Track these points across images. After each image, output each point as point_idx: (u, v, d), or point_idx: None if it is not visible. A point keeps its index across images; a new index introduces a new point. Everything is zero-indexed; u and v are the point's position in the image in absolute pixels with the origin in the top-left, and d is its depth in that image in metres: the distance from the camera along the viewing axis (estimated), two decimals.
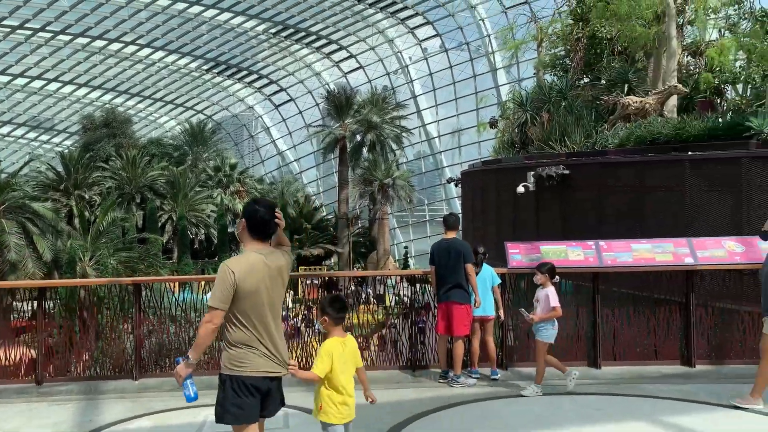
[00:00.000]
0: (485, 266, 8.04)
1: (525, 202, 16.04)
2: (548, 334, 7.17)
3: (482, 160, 20.79)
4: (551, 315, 7.13)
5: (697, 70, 19.63)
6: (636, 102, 16.01)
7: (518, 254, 8.09)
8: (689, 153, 12.30)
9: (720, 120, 14.19)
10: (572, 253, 7.67)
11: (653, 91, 16.34)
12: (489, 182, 18.21)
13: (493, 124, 28.85)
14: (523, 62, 56.50)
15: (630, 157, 13.60)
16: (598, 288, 7.95)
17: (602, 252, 7.75)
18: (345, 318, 5.24)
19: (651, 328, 8.19)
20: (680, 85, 15.78)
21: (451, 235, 7.94)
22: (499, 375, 7.91)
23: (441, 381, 7.75)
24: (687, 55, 20.07)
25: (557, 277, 7.34)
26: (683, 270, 7.93)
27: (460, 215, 21.04)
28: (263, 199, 5.21)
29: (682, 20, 19.51)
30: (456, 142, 64.29)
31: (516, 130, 24.44)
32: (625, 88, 18.44)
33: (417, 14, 58.13)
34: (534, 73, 31.21)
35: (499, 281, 8.11)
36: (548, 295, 7.11)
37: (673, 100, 16.38)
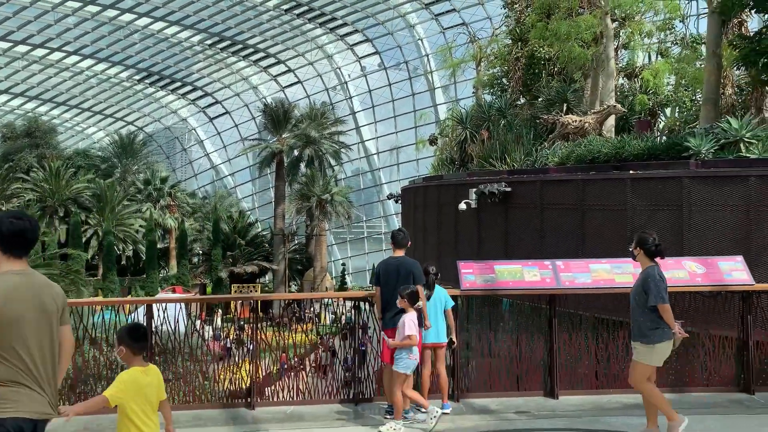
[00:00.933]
0: (437, 288, 7.44)
1: (467, 219, 15.79)
2: (404, 364, 6.70)
3: (423, 176, 20.55)
4: (405, 343, 6.69)
5: (632, 92, 20.07)
6: (575, 121, 16.11)
7: (471, 274, 7.56)
8: (630, 171, 12.31)
9: (658, 140, 14.38)
10: (528, 274, 7.23)
11: (592, 111, 16.50)
12: (430, 199, 17.93)
13: (432, 141, 28.84)
14: (461, 82, 57.33)
15: (571, 175, 13.56)
16: (555, 311, 7.51)
17: (559, 272, 7.32)
18: (146, 347, 4.90)
19: (611, 353, 7.76)
20: (619, 105, 16.00)
21: (400, 253, 7.26)
22: (449, 408, 7.31)
23: (387, 417, 7.05)
24: (622, 77, 20.50)
25: (420, 303, 6.88)
26: None
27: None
28: (12, 211, 4.58)
29: (617, 43, 19.94)
30: (394, 159, 64.43)
31: (456, 147, 24.42)
32: (564, 108, 18.62)
33: (356, 31, 58.15)
34: (473, 92, 31.49)
35: (453, 304, 7.50)
36: (404, 322, 6.69)
37: (612, 120, 16.59)
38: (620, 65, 21.33)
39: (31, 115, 58.09)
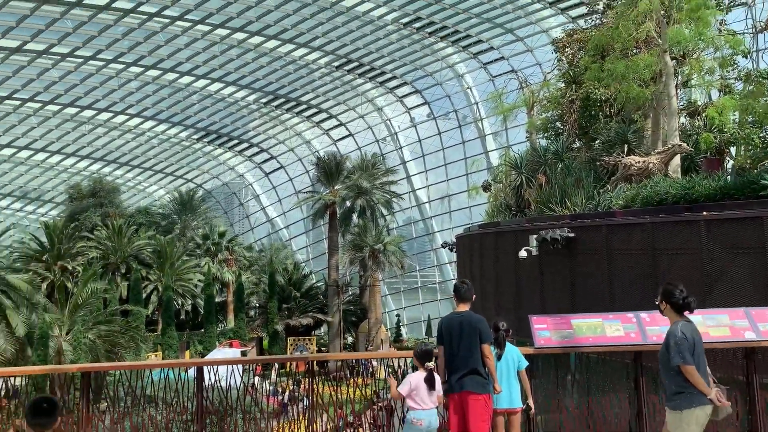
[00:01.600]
0: (509, 346, 6.79)
1: (527, 267, 15.17)
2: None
3: (478, 224, 20.08)
4: (394, 394, 6.33)
5: (695, 130, 19.28)
6: (639, 162, 15.47)
7: (546, 330, 6.91)
8: (704, 213, 11.57)
9: (729, 179, 13.58)
10: (610, 328, 6.53)
11: (656, 151, 15.83)
12: (487, 246, 17.40)
13: (486, 187, 28.39)
14: (512, 128, 57.01)
15: (639, 218, 12.87)
16: (642, 369, 6.68)
17: (645, 326, 6.61)
18: (48, 425, 4.32)
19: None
20: (684, 144, 15.30)
21: (464, 307, 6.65)
22: None
23: None
24: (684, 116, 19.77)
25: (430, 363, 6.36)
26: (743, 346, 6.86)
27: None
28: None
29: (676, 81, 19.30)
30: (446, 208, 64.02)
31: (511, 193, 23.92)
32: (625, 149, 17.98)
33: (405, 83, 58.94)
34: (526, 137, 31.06)
35: (527, 364, 6.78)
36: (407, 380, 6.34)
37: (677, 160, 15.87)
38: (680, 104, 20.61)
39: (96, 175, 60.64)
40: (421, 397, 6.18)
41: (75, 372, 6.33)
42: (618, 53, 18.14)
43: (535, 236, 14.62)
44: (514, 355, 6.78)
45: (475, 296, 6.84)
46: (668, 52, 16.55)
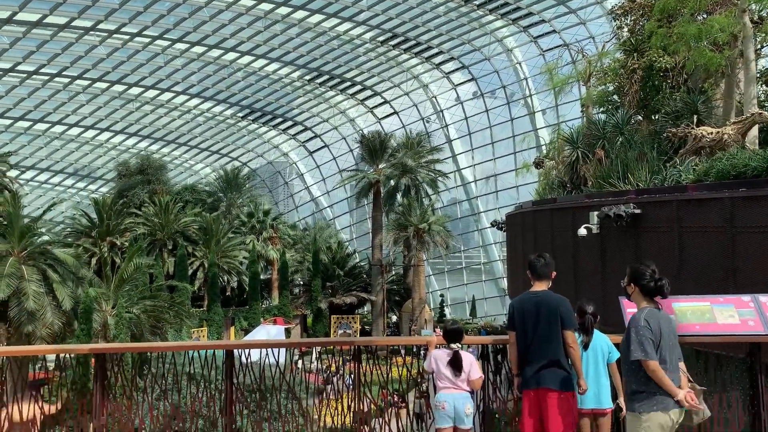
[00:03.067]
0: (597, 334, 5.70)
1: (587, 246, 14.11)
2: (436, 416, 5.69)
3: (532, 201, 19.00)
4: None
5: None
6: (711, 133, 14.15)
7: None
8: None
9: None
10: (721, 314, 5.39)
11: (731, 121, 14.47)
12: (541, 225, 16.37)
13: (538, 164, 27.19)
14: (563, 104, 55.10)
15: (715, 193, 11.66)
16: (762, 366, 5.47)
17: (766, 312, 5.40)
18: None
19: None
20: (765, 113, 13.89)
21: (541, 286, 5.61)
22: None
23: None
24: (760, 84, 18.19)
25: (455, 345, 5.74)
26: (747, 341, 5.61)
27: (499, 261, 19.17)
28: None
29: (754, 46, 17.70)
30: (492, 187, 62.59)
31: (566, 169, 22.71)
32: (694, 120, 16.59)
33: (452, 59, 57.47)
34: (581, 112, 29.61)
35: (618, 356, 5.65)
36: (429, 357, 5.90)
37: (755, 131, 14.48)
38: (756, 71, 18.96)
39: (143, 153, 61.37)
40: (445, 378, 5.64)
41: (87, 353, 5.61)
42: (688, 16, 16.68)
43: (596, 213, 13.54)
44: (604, 344, 5.68)
45: (555, 273, 5.85)
46: (747, 13, 15.04)
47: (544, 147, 48.13)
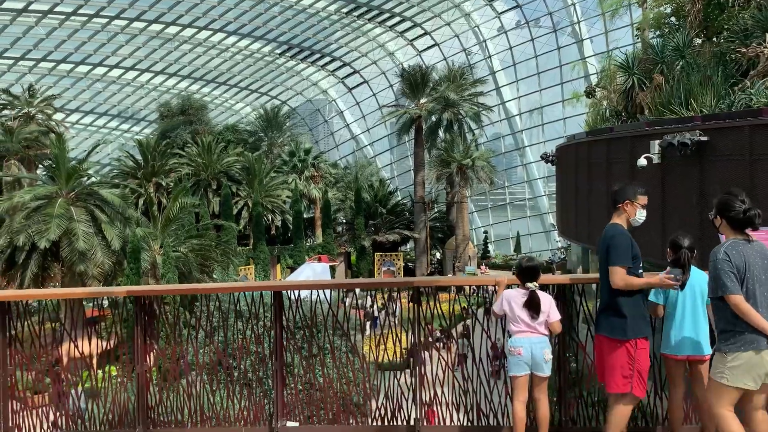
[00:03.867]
0: (695, 271, 5.11)
1: (646, 177, 13.27)
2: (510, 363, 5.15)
3: (585, 131, 18.05)
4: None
5: None
6: None
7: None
8: None
9: None
10: None
11: None
12: (596, 156, 15.54)
13: (589, 93, 25.82)
14: (613, 30, 52.45)
15: None
16: None
17: None
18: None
19: None
20: None
21: (616, 219, 5.14)
22: None
23: None
24: None
25: (532, 284, 5.12)
26: None
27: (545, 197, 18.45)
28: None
29: None
30: (538, 120, 60.74)
31: (619, 97, 21.52)
32: (766, 38, 15.19)
33: None
34: (635, 36, 27.89)
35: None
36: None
37: None
38: None
39: (184, 93, 61.37)
40: (519, 320, 5.06)
41: (125, 296, 5.29)
42: None
43: (657, 142, 12.66)
44: (703, 282, 4.97)
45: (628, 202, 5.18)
46: None
47: (594, 76, 46.09)
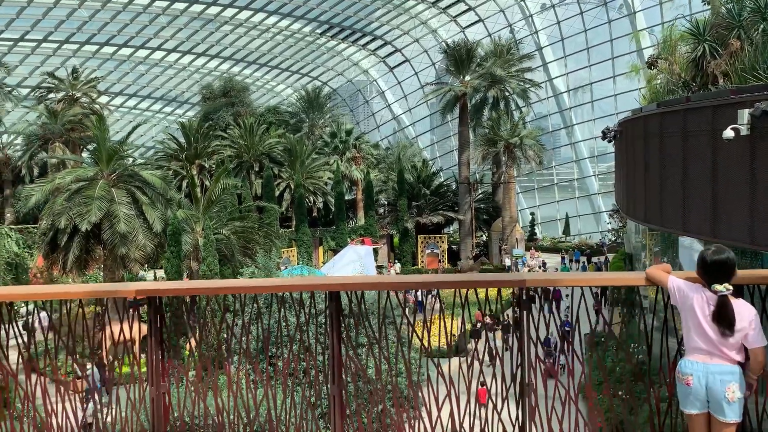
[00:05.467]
0: None
1: (731, 151, 11.85)
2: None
3: (657, 103, 16.55)
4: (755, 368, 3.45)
5: None
6: None
7: None
8: None
9: None
10: None
11: None
12: (669, 129, 14.09)
13: (652, 64, 24.11)
14: (666, 1, 49.78)
15: None
16: None
17: None
18: None
19: None
20: None
21: None
22: None
23: None
24: None
25: (720, 286, 3.41)
26: None
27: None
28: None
29: None
30: (587, 97, 58.43)
31: (689, 66, 19.85)
32: None
33: None
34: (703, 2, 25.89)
35: None
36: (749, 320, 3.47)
37: None
38: None
39: (226, 75, 61.07)
40: (702, 336, 3.46)
41: (134, 296, 3.81)
42: None
43: (747, 110, 11.20)
44: None
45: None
46: None
47: (649, 49, 43.74)
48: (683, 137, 13.70)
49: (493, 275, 3.57)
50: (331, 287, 3.55)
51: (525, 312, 3.42)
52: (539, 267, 40.90)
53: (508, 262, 42.40)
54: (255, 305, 3.87)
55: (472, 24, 60.76)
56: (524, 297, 3.42)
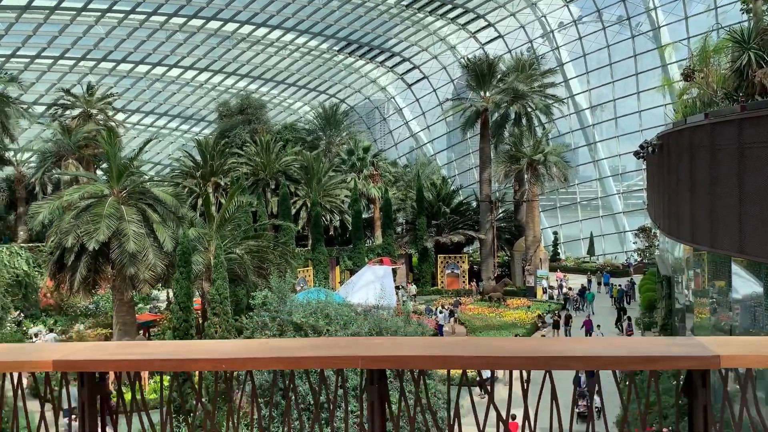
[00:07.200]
0: None
1: None
2: None
3: (704, 113, 15.30)
4: None
5: None
6: None
7: None
8: None
9: None
10: None
11: None
12: (723, 140, 12.83)
13: (687, 75, 22.86)
14: (692, 17, 48.55)
15: None
16: None
17: None
18: None
19: None
20: None
21: None
22: None
23: None
24: None
25: None
26: None
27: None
28: None
29: None
30: (610, 114, 57.06)
31: (732, 77, 18.61)
32: None
33: None
34: (741, 9, 24.67)
35: None
36: None
37: None
38: None
39: (243, 92, 60.60)
40: None
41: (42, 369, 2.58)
42: None
43: None
44: None
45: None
46: None
47: (675, 64, 42.50)
48: (739, 149, 12.43)
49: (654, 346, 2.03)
50: (370, 362, 2.01)
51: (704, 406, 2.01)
52: (567, 288, 39.43)
53: (531, 282, 40.93)
54: (250, 381, 2.43)
55: (492, 40, 59.89)
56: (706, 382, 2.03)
